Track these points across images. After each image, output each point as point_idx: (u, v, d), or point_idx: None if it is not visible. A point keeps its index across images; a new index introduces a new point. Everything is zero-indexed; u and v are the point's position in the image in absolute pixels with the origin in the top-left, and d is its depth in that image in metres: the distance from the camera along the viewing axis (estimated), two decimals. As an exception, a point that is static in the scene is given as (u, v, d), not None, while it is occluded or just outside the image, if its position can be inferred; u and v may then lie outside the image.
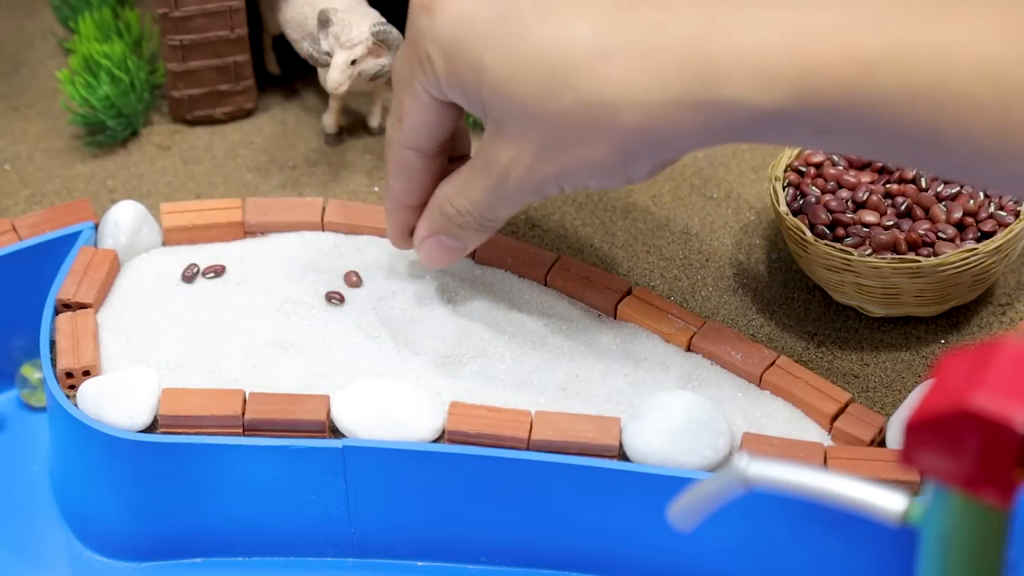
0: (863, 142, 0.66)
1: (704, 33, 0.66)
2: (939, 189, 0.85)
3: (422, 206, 0.79)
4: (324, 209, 0.89)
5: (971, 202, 0.84)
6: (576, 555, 0.80)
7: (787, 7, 0.65)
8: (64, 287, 0.84)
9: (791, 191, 0.85)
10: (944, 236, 0.83)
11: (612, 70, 0.67)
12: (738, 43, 0.65)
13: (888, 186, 0.85)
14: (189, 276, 0.86)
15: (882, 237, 0.82)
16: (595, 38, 0.67)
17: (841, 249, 0.82)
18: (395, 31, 0.90)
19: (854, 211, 0.84)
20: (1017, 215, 0.83)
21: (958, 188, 0.85)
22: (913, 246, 0.82)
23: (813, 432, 0.79)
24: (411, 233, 0.80)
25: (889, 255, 0.82)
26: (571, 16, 0.68)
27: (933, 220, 0.84)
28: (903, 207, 0.84)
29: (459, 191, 0.75)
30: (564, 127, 0.69)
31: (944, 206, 0.84)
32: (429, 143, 0.76)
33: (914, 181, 0.85)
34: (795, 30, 0.65)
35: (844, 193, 0.85)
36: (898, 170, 0.86)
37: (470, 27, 0.70)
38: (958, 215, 0.83)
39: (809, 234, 0.82)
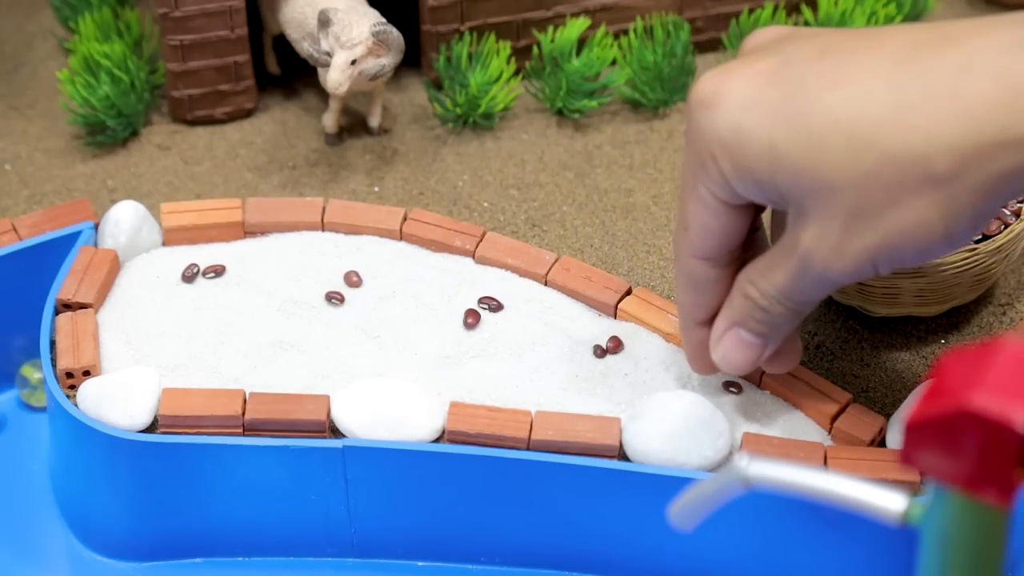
0: None
1: (1014, 64, 0.61)
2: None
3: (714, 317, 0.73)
4: (324, 209, 0.89)
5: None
6: (576, 555, 0.80)
7: None
8: (64, 287, 0.84)
9: (791, 191, 0.85)
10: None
11: (915, 118, 0.62)
12: None
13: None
14: (189, 276, 0.86)
15: (882, 237, 0.82)
16: (891, 90, 0.63)
17: (841, 249, 0.82)
18: (395, 31, 0.90)
19: (854, 211, 0.84)
20: (1018, 215, 0.83)
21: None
22: (913, 246, 0.82)
23: (813, 432, 0.78)
24: (708, 351, 0.74)
25: (889, 255, 0.82)
26: (862, 78, 0.63)
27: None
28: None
29: (762, 274, 0.70)
30: (872, 191, 0.63)
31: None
32: (719, 251, 0.71)
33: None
34: None
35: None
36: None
37: (754, 112, 0.65)
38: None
39: (809, 234, 0.82)
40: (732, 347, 0.72)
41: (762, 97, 0.65)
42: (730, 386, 0.80)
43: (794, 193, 0.65)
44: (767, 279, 0.69)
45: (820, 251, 0.66)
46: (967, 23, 0.64)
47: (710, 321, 0.73)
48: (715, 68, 0.68)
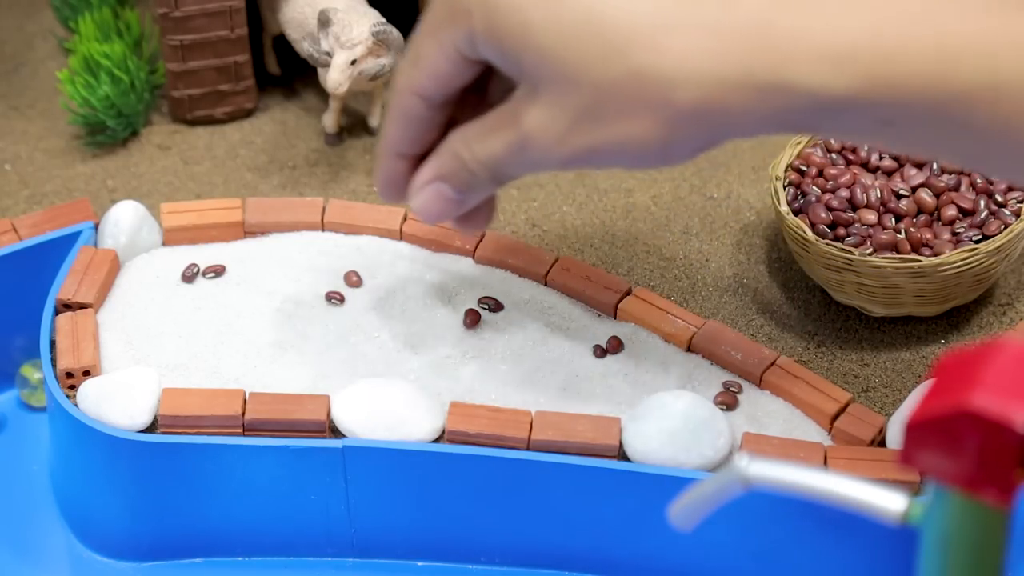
0: (927, 137, 0.64)
1: (777, 13, 0.62)
2: (940, 187, 0.85)
3: (415, 159, 0.74)
4: (324, 209, 0.89)
5: (969, 199, 0.84)
6: (576, 555, 0.80)
7: None
8: (64, 287, 0.84)
9: (792, 191, 0.85)
10: (945, 236, 0.83)
11: (672, 42, 0.62)
12: (812, 25, 0.62)
13: (889, 186, 0.85)
14: (189, 276, 0.86)
15: (883, 237, 0.82)
16: (657, 10, 0.63)
17: (842, 249, 0.82)
18: (395, 31, 0.90)
19: (854, 211, 0.84)
20: (1018, 215, 0.83)
21: (958, 185, 0.85)
22: (914, 246, 0.82)
23: (813, 432, 0.79)
24: (399, 184, 0.74)
25: (890, 255, 0.82)
26: None
27: (934, 220, 0.84)
28: (904, 207, 0.84)
29: (478, 136, 0.70)
30: (609, 97, 0.64)
31: (946, 205, 0.84)
32: (441, 94, 0.71)
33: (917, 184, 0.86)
34: (878, 14, 0.61)
35: (844, 193, 0.85)
36: (898, 170, 0.86)
37: None
38: (956, 214, 0.84)
39: (810, 233, 0.82)
40: (432, 199, 0.72)
41: None
42: (730, 386, 0.80)
43: (534, 74, 0.66)
44: (482, 145, 0.69)
45: (543, 137, 0.66)
46: None
47: (411, 157, 0.73)
48: None
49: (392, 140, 0.73)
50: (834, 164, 0.87)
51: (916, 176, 0.86)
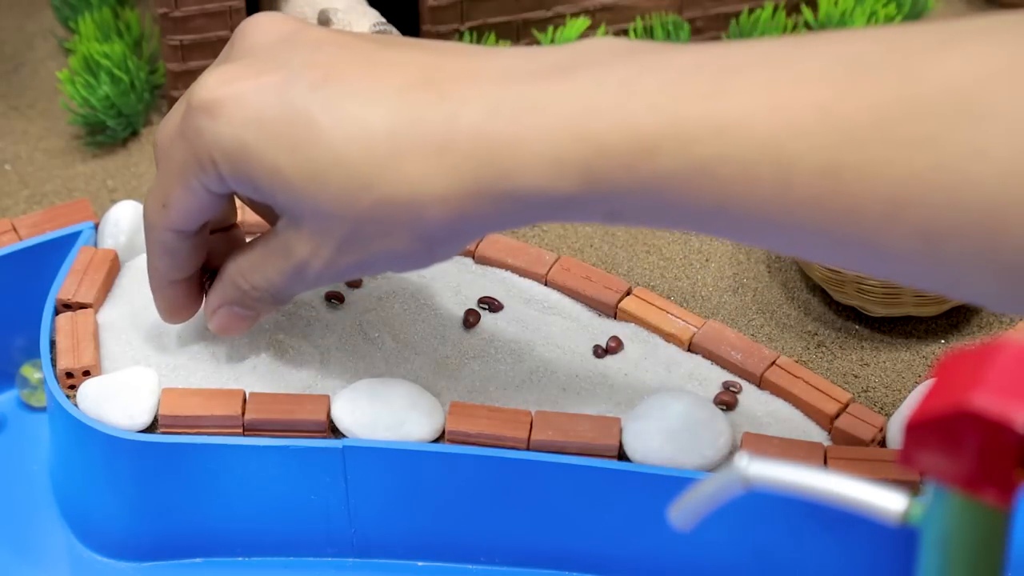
0: (654, 219, 0.67)
1: (491, 124, 0.65)
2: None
3: (190, 279, 0.78)
4: (324, 209, 0.89)
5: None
6: (576, 555, 0.80)
7: (569, 92, 0.65)
8: (64, 287, 0.84)
9: (791, 191, 0.85)
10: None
11: (409, 168, 0.66)
12: (525, 131, 0.65)
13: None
14: (189, 276, 0.86)
15: (882, 237, 0.82)
16: (389, 138, 0.66)
17: (841, 249, 0.81)
18: (395, 31, 0.90)
19: (854, 211, 0.84)
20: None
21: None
22: (913, 246, 0.82)
23: (813, 432, 0.78)
24: (181, 306, 0.79)
25: (889, 255, 0.82)
26: (362, 114, 0.67)
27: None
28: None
29: (254, 268, 0.74)
30: (365, 225, 0.68)
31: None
32: (194, 226, 0.75)
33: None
34: (578, 115, 0.64)
35: (844, 193, 0.85)
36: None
37: (259, 132, 0.68)
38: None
39: (809, 234, 0.82)
40: (227, 320, 0.77)
41: (268, 117, 0.69)
42: (730, 386, 0.80)
43: (293, 211, 0.70)
44: (259, 273, 0.74)
45: (314, 263, 0.71)
46: (478, 60, 0.68)
47: (184, 281, 0.78)
48: (217, 68, 0.71)
49: (161, 272, 0.77)
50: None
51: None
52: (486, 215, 0.67)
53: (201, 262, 0.78)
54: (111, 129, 0.97)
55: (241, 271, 0.75)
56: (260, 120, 0.69)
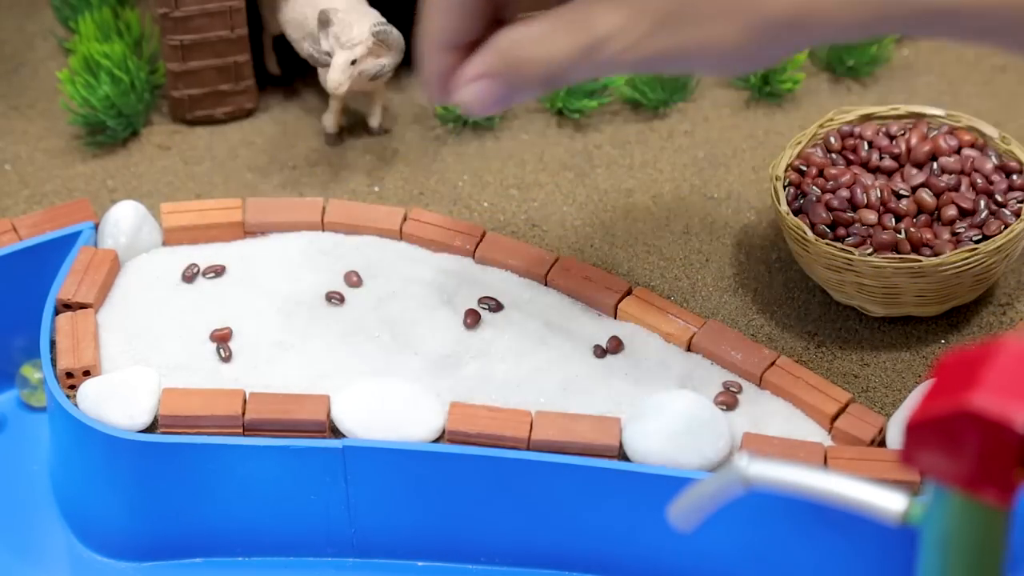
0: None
1: None
2: (940, 187, 0.85)
3: (460, 52, 0.70)
4: (324, 209, 0.89)
5: (969, 199, 0.84)
6: (576, 555, 0.80)
7: None
8: (64, 287, 0.84)
9: (791, 191, 0.85)
10: (945, 236, 0.83)
11: None
12: None
13: (889, 186, 0.85)
14: (189, 276, 0.86)
15: (883, 237, 0.82)
16: None
17: (842, 249, 0.82)
18: (395, 31, 0.90)
19: (854, 211, 0.84)
20: (1018, 215, 0.83)
21: (958, 185, 0.85)
22: (914, 246, 0.82)
23: (813, 432, 0.78)
24: (446, 79, 0.70)
25: (890, 255, 0.82)
26: None
27: (934, 220, 0.84)
28: (904, 207, 0.84)
29: (537, 41, 0.66)
30: (696, 3, 0.62)
31: (946, 204, 0.84)
32: None
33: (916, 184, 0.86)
34: None
35: (844, 193, 0.85)
36: (898, 170, 0.86)
37: None
38: (956, 214, 0.84)
39: (810, 234, 0.82)
40: (479, 94, 0.69)
41: None
42: (730, 386, 0.80)
43: None
44: (543, 47, 0.67)
45: (618, 42, 0.64)
46: None
47: (459, 48, 0.70)
48: None
49: (436, 31, 0.70)
50: (834, 164, 0.87)
51: (916, 176, 0.86)
52: (836, 18, 0.61)
53: (478, 34, 0.70)
54: (111, 129, 0.97)
55: (520, 39, 0.67)
56: None
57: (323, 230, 0.89)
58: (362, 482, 0.78)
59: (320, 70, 0.93)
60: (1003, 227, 0.82)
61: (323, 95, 0.99)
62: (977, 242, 0.82)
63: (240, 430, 0.78)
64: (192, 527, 0.80)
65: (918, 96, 0.99)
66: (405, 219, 0.88)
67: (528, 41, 0.67)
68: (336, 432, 0.78)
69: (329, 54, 0.90)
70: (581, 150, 0.96)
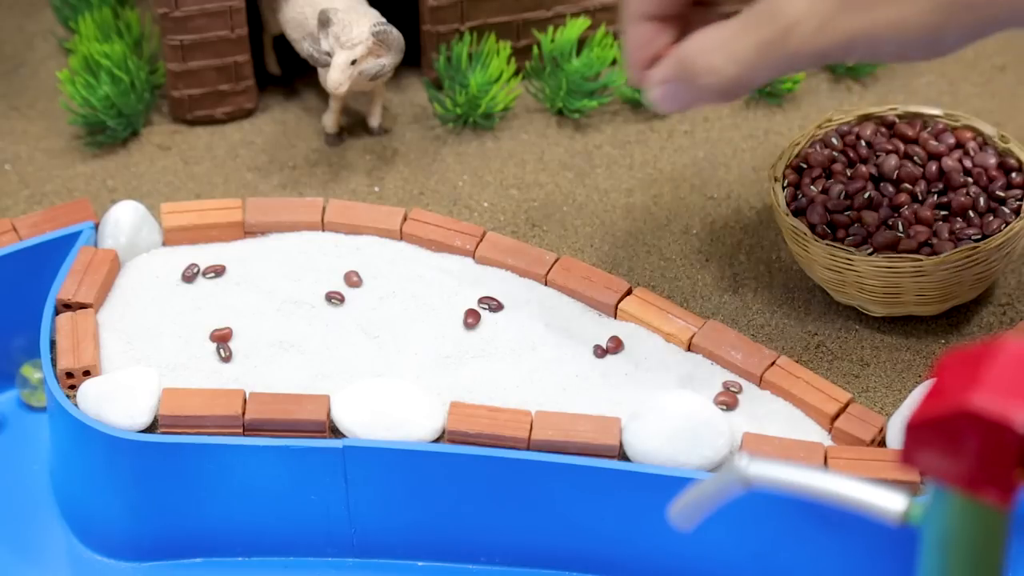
0: None
1: None
2: (940, 186, 0.85)
3: (667, 19, 0.70)
4: (324, 209, 0.89)
5: (969, 197, 0.84)
6: (576, 555, 0.80)
7: None
8: (64, 287, 0.84)
9: (791, 191, 0.85)
10: (945, 235, 0.83)
11: None
12: None
13: (889, 185, 0.85)
14: (189, 276, 0.86)
15: (883, 237, 0.82)
16: None
17: (843, 249, 0.82)
18: (395, 31, 0.90)
19: (855, 211, 0.84)
20: (1018, 212, 0.83)
21: (958, 185, 0.85)
22: (914, 246, 0.82)
23: (813, 432, 0.79)
24: (646, 53, 0.71)
25: (890, 254, 0.82)
26: None
27: (934, 219, 0.84)
28: (903, 207, 0.84)
29: (719, 47, 0.67)
30: None
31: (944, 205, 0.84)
32: None
33: (914, 184, 0.86)
34: None
35: (844, 193, 0.85)
36: (898, 170, 0.86)
37: None
38: (955, 212, 0.84)
39: (810, 234, 0.82)
40: (664, 99, 0.71)
41: None
42: (730, 386, 0.80)
43: None
44: (726, 51, 0.67)
45: (807, 24, 0.64)
46: None
47: (660, 17, 0.71)
48: None
49: (634, 2, 0.70)
50: (834, 164, 0.87)
51: (916, 176, 0.86)
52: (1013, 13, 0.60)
53: (679, 7, 0.70)
54: (111, 129, 0.97)
55: (701, 49, 0.68)
56: None
57: (323, 230, 0.89)
58: (362, 482, 0.78)
59: (320, 70, 0.93)
60: (1003, 225, 0.82)
61: (323, 95, 0.99)
62: (977, 240, 0.82)
63: (240, 430, 0.78)
64: (192, 527, 0.80)
65: (918, 96, 0.99)
66: (405, 219, 0.88)
67: (711, 49, 0.67)
68: (336, 432, 0.78)
69: (329, 54, 0.90)
70: (581, 150, 0.96)
